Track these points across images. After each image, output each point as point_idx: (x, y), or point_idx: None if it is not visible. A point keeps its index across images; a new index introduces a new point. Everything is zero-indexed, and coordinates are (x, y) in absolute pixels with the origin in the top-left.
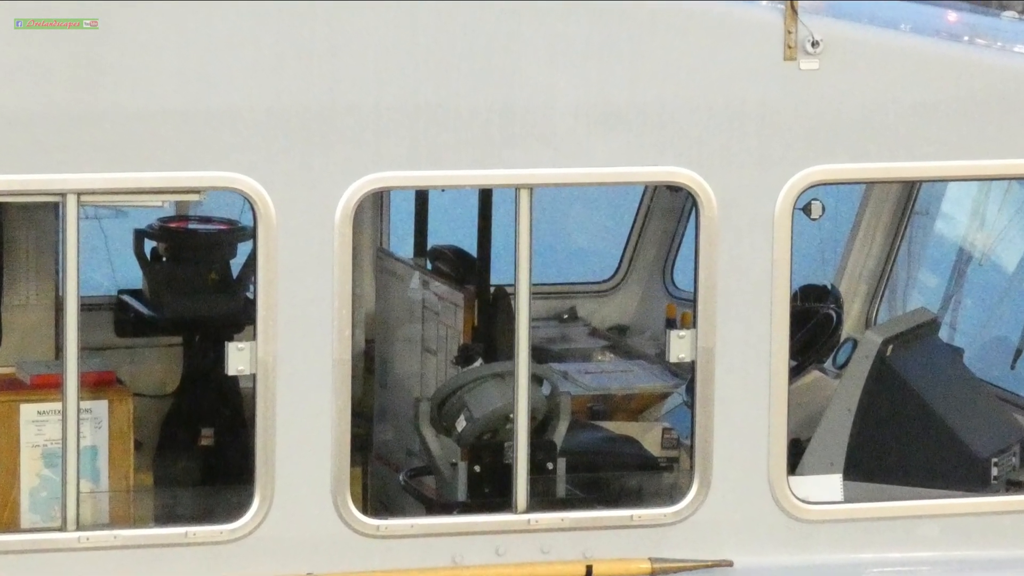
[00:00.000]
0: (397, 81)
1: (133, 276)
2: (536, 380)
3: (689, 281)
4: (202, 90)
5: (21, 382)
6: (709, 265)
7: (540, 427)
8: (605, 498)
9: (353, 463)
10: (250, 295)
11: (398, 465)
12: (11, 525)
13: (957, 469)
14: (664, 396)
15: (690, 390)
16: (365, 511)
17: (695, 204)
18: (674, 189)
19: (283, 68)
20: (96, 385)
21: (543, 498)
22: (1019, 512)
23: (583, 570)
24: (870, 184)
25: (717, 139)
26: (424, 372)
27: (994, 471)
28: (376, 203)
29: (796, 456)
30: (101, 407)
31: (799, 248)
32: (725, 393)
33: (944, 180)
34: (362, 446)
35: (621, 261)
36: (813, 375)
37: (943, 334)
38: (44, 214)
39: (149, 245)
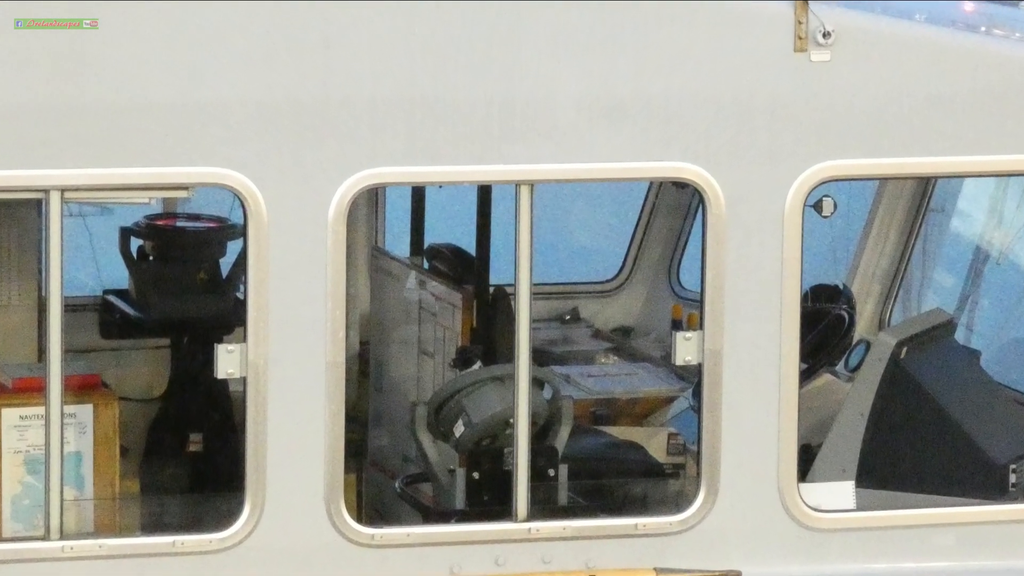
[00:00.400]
0: (393, 73)
1: (119, 276)
2: (537, 384)
3: (695, 281)
4: (190, 83)
5: (2, 385)
6: (716, 264)
7: (541, 432)
8: (609, 506)
9: (347, 470)
10: (240, 295)
11: (394, 472)
12: None
13: (974, 476)
14: (670, 400)
15: (697, 394)
16: (359, 519)
17: (702, 201)
18: (680, 185)
19: (274, 60)
20: (80, 389)
21: (544, 506)
22: None
23: None
24: (883, 180)
25: (725, 134)
26: (421, 375)
27: (1012, 478)
28: (371, 200)
29: (807, 462)
30: (86, 411)
31: (810, 247)
32: (733, 397)
33: (960, 176)
34: (356, 452)
35: (625, 260)
36: (824, 378)
37: (959, 336)
38: (26, 211)
39: (135, 243)
